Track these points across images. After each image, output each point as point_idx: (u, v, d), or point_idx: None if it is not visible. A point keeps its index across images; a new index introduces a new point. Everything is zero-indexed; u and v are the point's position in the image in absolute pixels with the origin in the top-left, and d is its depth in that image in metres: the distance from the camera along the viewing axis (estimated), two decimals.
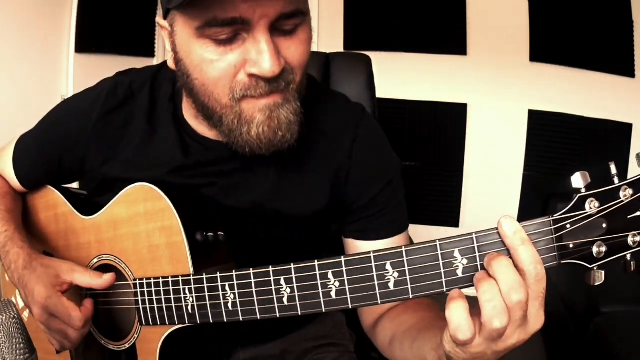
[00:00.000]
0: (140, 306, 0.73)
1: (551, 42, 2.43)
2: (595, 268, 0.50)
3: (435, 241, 0.52)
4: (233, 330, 0.84)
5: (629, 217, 0.48)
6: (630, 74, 2.37)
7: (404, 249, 0.54)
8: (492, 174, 2.58)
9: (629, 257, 0.49)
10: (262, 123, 0.66)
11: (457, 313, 0.50)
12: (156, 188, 0.73)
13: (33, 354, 0.63)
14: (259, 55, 0.62)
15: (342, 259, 0.56)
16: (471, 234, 0.52)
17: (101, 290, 0.78)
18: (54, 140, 0.85)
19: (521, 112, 2.51)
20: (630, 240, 0.48)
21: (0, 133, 1.08)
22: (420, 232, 2.59)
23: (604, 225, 0.49)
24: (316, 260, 0.58)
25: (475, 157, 2.58)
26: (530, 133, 2.51)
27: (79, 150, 0.83)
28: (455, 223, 2.64)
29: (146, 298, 0.72)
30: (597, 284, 0.50)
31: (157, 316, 0.71)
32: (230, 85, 0.65)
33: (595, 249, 0.49)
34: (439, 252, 0.52)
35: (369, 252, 0.55)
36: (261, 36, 0.61)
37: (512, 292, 0.48)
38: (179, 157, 0.78)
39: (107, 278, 0.73)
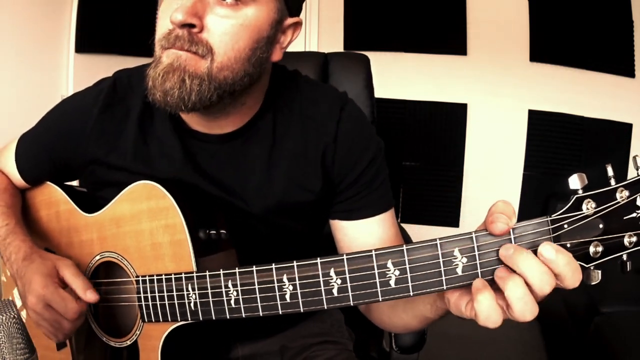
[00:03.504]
0: (143, 303, 0.74)
1: (551, 42, 2.43)
2: (592, 267, 0.51)
3: (435, 240, 0.53)
4: (231, 326, 0.85)
5: (624, 218, 0.49)
6: (630, 74, 2.37)
7: (404, 248, 0.55)
8: (492, 174, 2.59)
9: (625, 257, 0.50)
10: (164, 67, 0.68)
11: (484, 304, 0.51)
12: (159, 186, 0.73)
13: (33, 354, 0.63)
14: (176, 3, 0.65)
15: (345, 256, 0.57)
16: (470, 233, 0.53)
17: (103, 287, 0.80)
18: (56, 137, 0.86)
19: (521, 112, 2.51)
20: (626, 240, 0.49)
21: (0, 133, 1.08)
22: (421, 232, 2.59)
23: (601, 226, 0.50)
24: (318, 258, 0.58)
25: (475, 157, 2.58)
26: (530, 133, 2.51)
27: (81, 146, 0.84)
28: (455, 223, 2.64)
29: (149, 295, 0.73)
30: (594, 283, 0.51)
31: (160, 313, 0.72)
32: (162, 34, 0.69)
33: (592, 249, 0.50)
34: (439, 252, 0.53)
35: (370, 251, 0.56)
36: None
37: (543, 285, 0.50)
38: (177, 154, 0.80)
39: (91, 297, 0.74)
